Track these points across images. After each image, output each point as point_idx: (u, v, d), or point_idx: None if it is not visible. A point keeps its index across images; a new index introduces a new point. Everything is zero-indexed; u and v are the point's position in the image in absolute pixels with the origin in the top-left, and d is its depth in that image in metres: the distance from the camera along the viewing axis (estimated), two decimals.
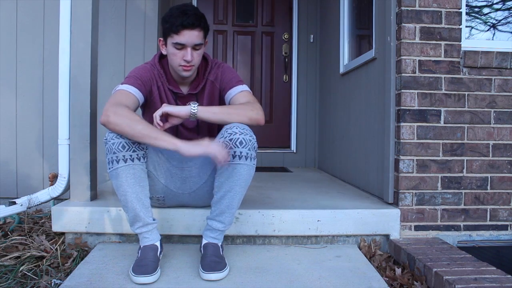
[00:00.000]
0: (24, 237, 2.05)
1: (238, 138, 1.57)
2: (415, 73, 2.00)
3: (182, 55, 1.64)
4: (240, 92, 1.75)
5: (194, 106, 1.59)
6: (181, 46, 1.63)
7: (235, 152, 1.57)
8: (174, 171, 1.80)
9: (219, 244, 1.68)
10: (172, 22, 1.60)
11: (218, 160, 1.49)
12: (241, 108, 1.66)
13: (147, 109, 1.81)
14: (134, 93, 1.64)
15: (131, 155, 1.54)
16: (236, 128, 1.58)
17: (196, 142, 1.50)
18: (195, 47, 1.64)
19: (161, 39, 1.71)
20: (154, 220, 1.65)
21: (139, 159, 1.57)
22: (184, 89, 1.80)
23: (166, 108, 1.58)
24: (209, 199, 1.83)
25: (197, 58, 1.67)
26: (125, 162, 1.53)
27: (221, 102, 1.83)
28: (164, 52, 1.73)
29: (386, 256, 1.93)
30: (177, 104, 1.77)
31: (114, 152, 1.53)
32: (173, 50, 1.65)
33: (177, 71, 1.71)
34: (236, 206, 1.66)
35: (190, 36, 1.61)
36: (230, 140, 1.57)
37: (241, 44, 4.20)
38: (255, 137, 1.62)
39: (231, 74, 1.81)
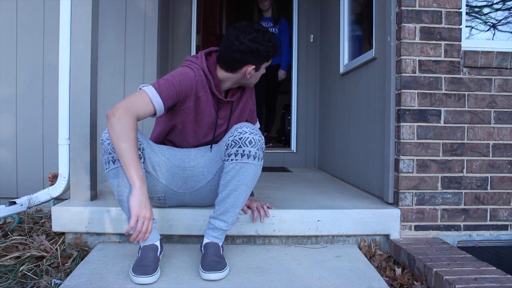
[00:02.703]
0: (24, 237, 2.05)
1: (248, 138, 1.60)
2: (415, 73, 2.00)
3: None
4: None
5: None
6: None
7: (243, 151, 1.59)
8: (176, 170, 1.80)
9: (220, 244, 1.68)
10: (271, 49, 1.68)
11: (132, 236, 1.43)
12: None
13: (170, 114, 1.75)
14: (156, 105, 1.57)
15: None
16: (246, 127, 1.63)
17: (144, 203, 1.44)
18: None
19: (253, 66, 1.68)
20: (153, 220, 1.65)
21: None
22: (223, 95, 1.82)
23: None
24: (211, 198, 1.83)
25: None
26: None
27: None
28: (248, 77, 1.71)
29: (386, 256, 1.93)
30: (216, 110, 1.77)
31: (110, 152, 1.54)
32: (262, 72, 1.77)
33: (250, 85, 1.82)
34: (241, 206, 1.67)
35: None
36: (240, 139, 1.60)
37: None
38: (263, 138, 1.66)
39: (255, 102, 1.97)
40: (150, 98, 1.56)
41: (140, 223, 1.42)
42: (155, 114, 1.61)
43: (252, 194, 1.98)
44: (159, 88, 1.59)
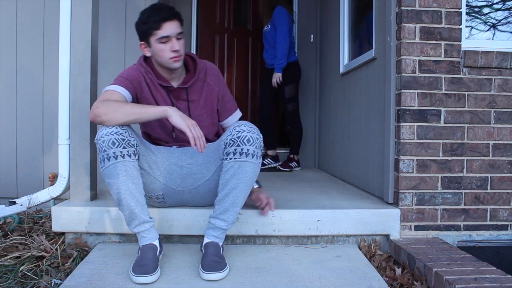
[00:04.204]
0: (24, 237, 2.05)
1: (246, 136, 1.61)
2: (415, 73, 2.00)
3: (169, 47, 1.70)
4: (240, 118, 1.98)
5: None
6: (166, 39, 1.69)
7: (242, 149, 1.60)
8: (174, 168, 1.80)
9: (220, 243, 1.68)
10: (151, 20, 1.68)
11: (192, 144, 1.54)
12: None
13: None
14: (121, 92, 1.69)
15: (121, 152, 1.55)
16: (244, 126, 1.64)
17: (186, 117, 1.56)
18: (178, 37, 1.71)
19: (142, 42, 1.76)
20: (151, 218, 1.65)
21: (129, 156, 1.57)
22: (174, 84, 1.84)
23: None
24: (210, 197, 1.84)
25: (182, 47, 1.74)
26: (116, 159, 1.54)
27: (217, 108, 1.94)
28: (148, 55, 1.78)
29: (386, 256, 1.93)
30: (169, 98, 1.83)
31: (105, 150, 1.55)
32: (160, 46, 1.70)
33: (168, 65, 1.76)
34: (240, 205, 1.67)
35: (172, 27, 1.69)
36: (238, 137, 1.61)
37: (238, 47, 4.23)
38: (262, 136, 1.68)
39: (228, 91, 1.98)
40: (113, 90, 1.69)
41: (194, 131, 1.54)
42: (126, 100, 1.70)
43: (259, 186, 1.99)
44: (115, 82, 1.73)
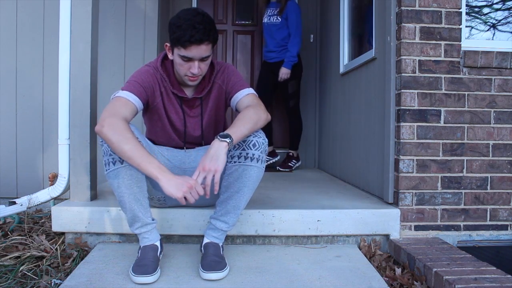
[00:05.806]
0: (24, 237, 2.05)
1: (252, 140, 1.60)
2: (415, 73, 2.00)
3: (188, 66, 1.61)
4: (246, 95, 1.73)
5: (228, 140, 1.49)
6: (188, 59, 1.59)
7: (247, 153, 1.59)
8: (176, 171, 1.80)
9: (220, 244, 1.68)
10: (180, 34, 1.53)
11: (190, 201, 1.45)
12: (255, 113, 1.63)
13: (149, 113, 1.80)
14: (134, 102, 1.61)
15: None
16: None
17: (177, 182, 1.42)
18: (202, 59, 1.61)
19: (168, 44, 1.65)
20: (153, 220, 1.65)
21: None
22: (189, 92, 1.77)
23: (217, 174, 1.47)
24: (211, 199, 1.83)
25: (204, 68, 1.65)
26: (121, 164, 1.53)
27: (226, 104, 1.84)
28: (170, 57, 1.67)
29: (386, 256, 1.93)
30: (181, 108, 1.77)
31: (110, 154, 1.54)
32: (179, 61, 1.61)
33: (183, 79, 1.69)
34: (242, 208, 1.67)
35: (198, 50, 1.57)
36: (244, 141, 1.60)
37: (241, 43, 4.21)
38: (267, 140, 1.65)
39: (236, 77, 1.80)
40: (126, 98, 1.60)
41: (189, 196, 1.42)
42: (137, 111, 1.65)
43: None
44: (128, 88, 1.63)
